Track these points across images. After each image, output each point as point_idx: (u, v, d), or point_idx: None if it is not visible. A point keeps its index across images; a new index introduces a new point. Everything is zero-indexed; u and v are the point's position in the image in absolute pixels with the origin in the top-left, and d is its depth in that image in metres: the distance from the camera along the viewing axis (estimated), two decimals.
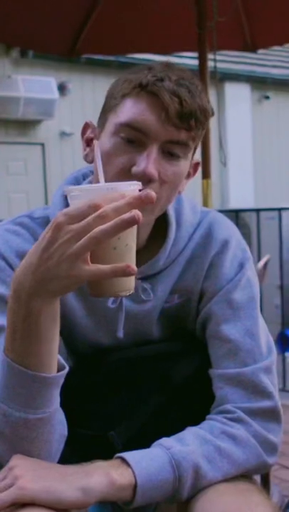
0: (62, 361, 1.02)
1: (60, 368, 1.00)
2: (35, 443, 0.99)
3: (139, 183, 0.91)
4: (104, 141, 1.11)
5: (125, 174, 1.08)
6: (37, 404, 0.97)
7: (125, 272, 0.85)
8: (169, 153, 1.10)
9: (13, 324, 0.94)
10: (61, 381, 1.00)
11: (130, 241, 0.90)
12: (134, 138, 1.08)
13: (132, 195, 0.86)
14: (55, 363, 0.98)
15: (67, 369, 1.01)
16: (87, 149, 1.19)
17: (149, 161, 1.06)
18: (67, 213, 0.86)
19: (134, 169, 1.07)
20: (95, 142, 1.03)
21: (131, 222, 0.84)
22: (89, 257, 0.86)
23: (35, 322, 0.92)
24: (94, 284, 0.92)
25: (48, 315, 0.92)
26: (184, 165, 1.13)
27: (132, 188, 0.89)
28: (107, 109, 1.14)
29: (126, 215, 0.84)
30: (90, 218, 0.84)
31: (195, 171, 1.21)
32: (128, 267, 0.85)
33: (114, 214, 0.84)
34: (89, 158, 1.19)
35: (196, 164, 1.21)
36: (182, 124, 1.08)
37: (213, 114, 1.14)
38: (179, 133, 1.08)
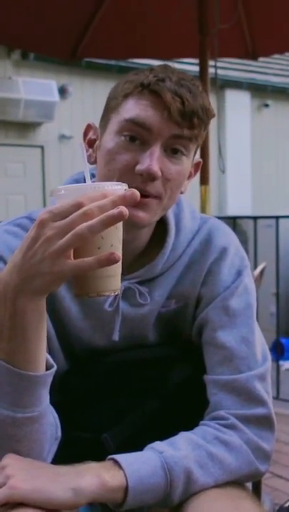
0: (51, 360, 1.03)
1: (48, 367, 1.01)
2: (23, 442, 0.99)
3: (125, 184, 0.93)
4: (108, 140, 1.12)
5: (129, 172, 1.09)
6: (25, 402, 0.97)
7: (110, 260, 0.85)
8: (171, 151, 1.11)
9: (0, 323, 0.94)
10: (49, 380, 1.01)
11: (115, 241, 0.90)
12: (137, 135, 1.09)
13: (117, 193, 0.87)
14: (43, 362, 0.99)
15: (55, 368, 1.02)
16: (90, 150, 1.20)
17: (152, 159, 1.08)
18: (51, 211, 0.87)
19: (138, 167, 1.08)
20: (81, 144, 1.04)
21: (117, 217, 0.85)
22: (72, 255, 0.87)
23: (21, 321, 0.92)
24: (79, 283, 0.92)
25: (34, 313, 0.93)
26: (186, 163, 1.14)
27: (116, 188, 0.90)
28: (109, 110, 1.15)
29: (113, 211, 0.85)
30: (74, 215, 0.85)
31: (196, 170, 1.22)
32: (112, 254, 0.85)
33: (99, 212, 0.85)
34: (91, 160, 1.19)
35: (197, 164, 1.21)
36: (185, 123, 1.09)
37: (214, 114, 1.14)
38: (181, 130, 1.10)
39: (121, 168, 1.10)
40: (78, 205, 0.86)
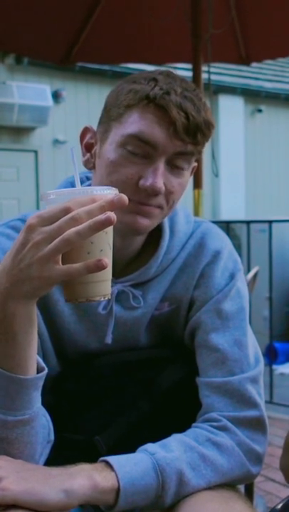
0: (42, 363, 1.03)
1: (39, 370, 1.01)
2: (14, 444, 1.00)
3: (116, 189, 0.92)
4: (109, 150, 1.11)
5: (132, 186, 1.09)
6: (16, 406, 0.98)
7: (98, 266, 0.85)
8: (174, 165, 1.11)
9: None
10: (40, 383, 1.01)
11: (105, 246, 0.89)
12: (141, 151, 1.09)
13: (105, 198, 0.87)
14: (34, 365, 0.99)
15: (46, 371, 1.02)
16: (88, 155, 1.19)
17: (156, 176, 1.08)
18: (39, 215, 0.87)
19: (142, 182, 1.08)
20: (72, 149, 1.04)
21: (105, 223, 0.84)
22: (60, 260, 0.86)
23: (11, 324, 0.93)
24: (68, 288, 0.91)
25: (24, 317, 0.93)
26: (187, 175, 1.15)
27: (106, 193, 0.89)
28: (110, 118, 1.13)
29: (101, 216, 0.84)
30: (62, 220, 0.85)
31: (190, 174, 1.22)
32: (99, 261, 0.85)
33: (87, 217, 0.85)
34: (90, 165, 1.19)
35: (192, 168, 1.21)
36: (189, 139, 1.09)
37: (214, 126, 1.15)
38: (185, 146, 1.10)
39: (124, 181, 1.09)
40: (66, 210, 0.86)
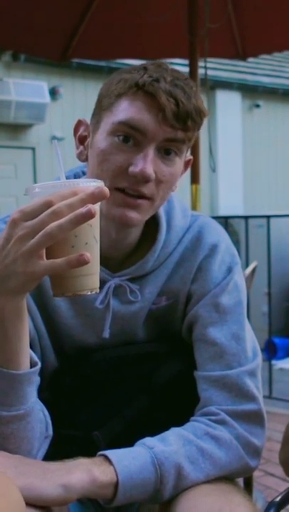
0: (35, 358, 1.03)
1: (33, 365, 1.01)
2: (10, 440, 1.00)
3: (101, 181, 0.92)
4: (100, 140, 1.11)
5: (122, 173, 1.09)
6: (10, 401, 0.98)
7: (80, 261, 0.85)
8: (165, 151, 1.10)
9: None
10: (33, 378, 1.01)
11: (90, 239, 0.89)
12: (131, 138, 1.08)
13: (86, 191, 0.86)
14: (26, 360, 0.99)
15: (39, 366, 1.02)
16: (81, 147, 1.19)
17: (146, 162, 1.07)
18: (22, 210, 0.87)
19: (132, 169, 1.08)
20: (54, 141, 1.03)
21: (86, 216, 0.84)
22: (44, 254, 0.86)
23: (0, 320, 0.93)
24: (54, 283, 0.91)
25: (12, 312, 0.93)
26: (178, 164, 1.14)
27: (89, 185, 0.88)
28: (101, 108, 1.14)
29: (82, 209, 0.84)
30: (43, 214, 0.85)
31: (186, 167, 1.21)
32: (81, 256, 0.85)
33: (68, 210, 0.85)
34: (83, 157, 1.19)
35: (188, 161, 1.21)
36: (179, 125, 1.08)
37: (206, 114, 1.14)
38: (175, 133, 1.09)
39: (114, 169, 1.09)
40: (48, 204, 0.85)
